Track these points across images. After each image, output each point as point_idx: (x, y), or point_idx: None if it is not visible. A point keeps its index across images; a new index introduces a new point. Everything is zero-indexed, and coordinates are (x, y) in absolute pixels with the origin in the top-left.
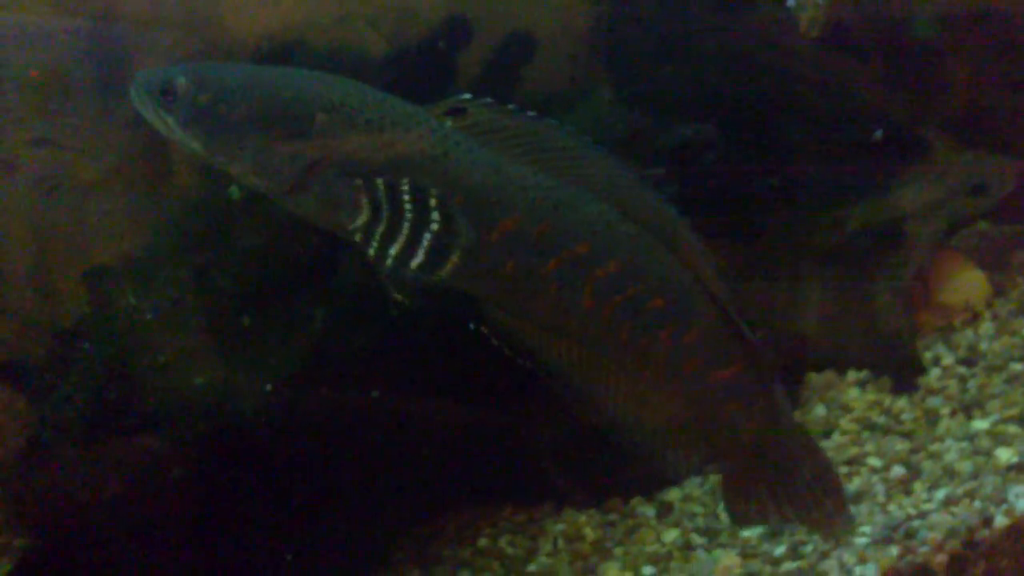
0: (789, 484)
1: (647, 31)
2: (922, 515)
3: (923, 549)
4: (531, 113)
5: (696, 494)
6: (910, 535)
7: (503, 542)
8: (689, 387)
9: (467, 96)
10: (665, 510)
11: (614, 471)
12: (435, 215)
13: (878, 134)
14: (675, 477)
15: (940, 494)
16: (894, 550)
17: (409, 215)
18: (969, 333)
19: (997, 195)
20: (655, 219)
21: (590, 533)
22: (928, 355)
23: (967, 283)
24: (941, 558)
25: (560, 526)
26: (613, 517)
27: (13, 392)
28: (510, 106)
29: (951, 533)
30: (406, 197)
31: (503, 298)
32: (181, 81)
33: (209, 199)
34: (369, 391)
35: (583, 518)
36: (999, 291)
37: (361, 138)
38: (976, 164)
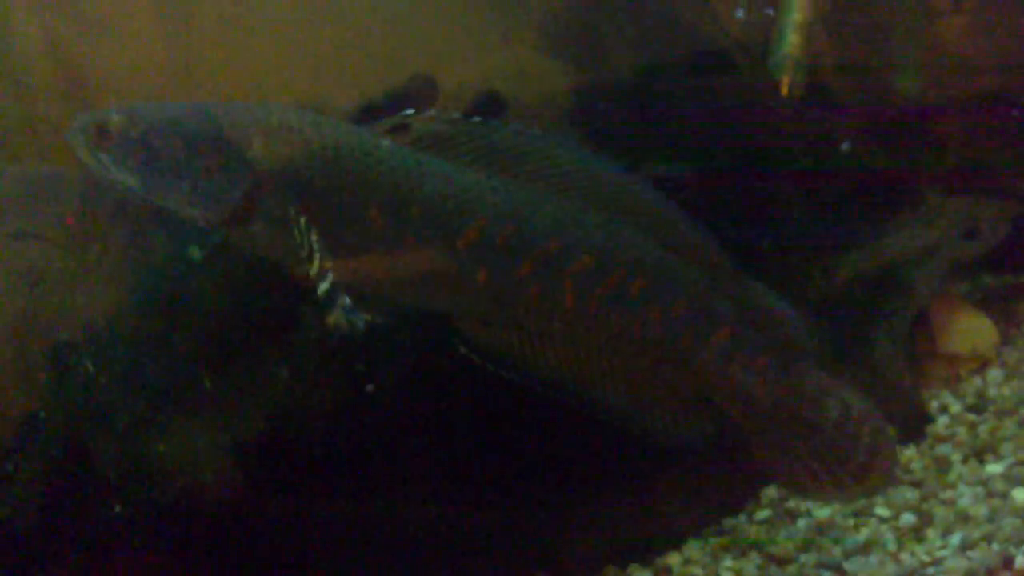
0: (819, 434)
1: (626, 100)
2: (936, 561)
3: None
4: (475, 118)
5: (696, 556)
6: None
7: None
8: (691, 358)
9: (410, 112)
10: (663, 575)
11: (609, 537)
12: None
13: (845, 146)
14: (695, 448)
15: (955, 539)
16: None
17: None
18: (976, 381)
19: (992, 239)
20: (624, 201)
21: None
22: (934, 404)
23: (974, 330)
24: None
25: None
26: None
27: None
28: (455, 115)
29: None
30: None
31: (483, 310)
32: (114, 119)
33: (169, 261)
34: (340, 449)
35: None
36: (1005, 340)
37: (301, 161)
38: (969, 208)
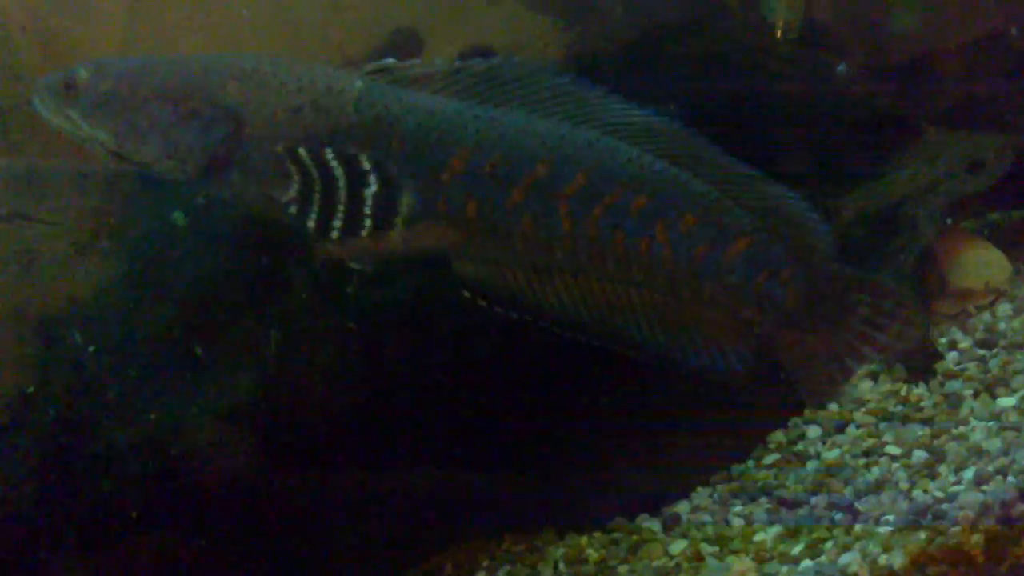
0: (852, 327)
1: (618, 47)
2: (950, 497)
3: (954, 530)
4: (454, 63)
5: (705, 504)
6: (939, 517)
7: (502, 573)
8: (707, 273)
9: (391, 60)
10: (672, 522)
11: (617, 489)
12: (371, 178)
13: (841, 68)
14: (731, 370)
15: (968, 474)
16: (922, 535)
17: (342, 183)
18: (986, 316)
19: (996, 171)
20: (616, 119)
21: (593, 554)
22: (943, 341)
23: (987, 263)
24: (976, 539)
25: (561, 550)
26: (617, 536)
27: None
28: (437, 61)
29: (985, 511)
30: (334, 163)
31: (478, 245)
32: (81, 73)
33: (153, 230)
34: (336, 414)
35: (585, 540)
36: (1014, 274)
37: (279, 103)
38: (971, 142)
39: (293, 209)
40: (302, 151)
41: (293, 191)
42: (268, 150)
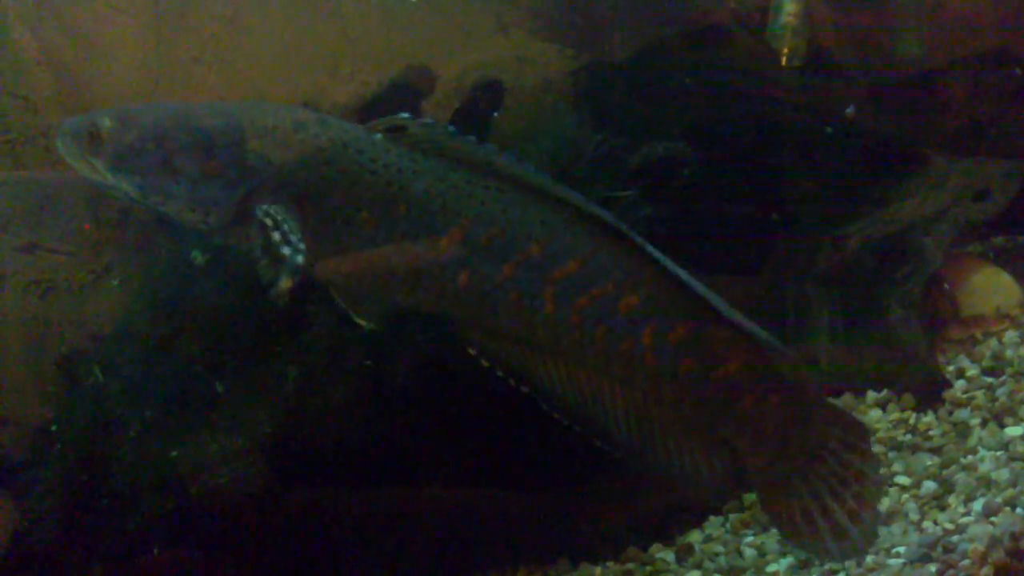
0: (823, 473)
1: (626, 79)
2: (960, 529)
3: (964, 563)
4: (471, 137)
5: (717, 534)
6: (949, 550)
7: None
8: (692, 389)
9: (406, 115)
10: (685, 553)
11: (630, 519)
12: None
13: (850, 111)
14: (702, 491)
15: (978, 505)
16: (933, 568)
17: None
18: (992, 343)
19: (1002, 198)
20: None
21: None
22: (951, 368)
23: (997, 289)
24: (986, 572)
25: None
26: (631, 566)
27: (3, 492)
28: (449, 127)
29: (994, 543)
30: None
31: (465, 314)
32: (106, 123)
33: (173, 267)
34: (354, 448)
35: (599, 570)
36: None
37: (296, 163)
38: (977, 170)
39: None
40: (264, 209)
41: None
42: (283, 208)
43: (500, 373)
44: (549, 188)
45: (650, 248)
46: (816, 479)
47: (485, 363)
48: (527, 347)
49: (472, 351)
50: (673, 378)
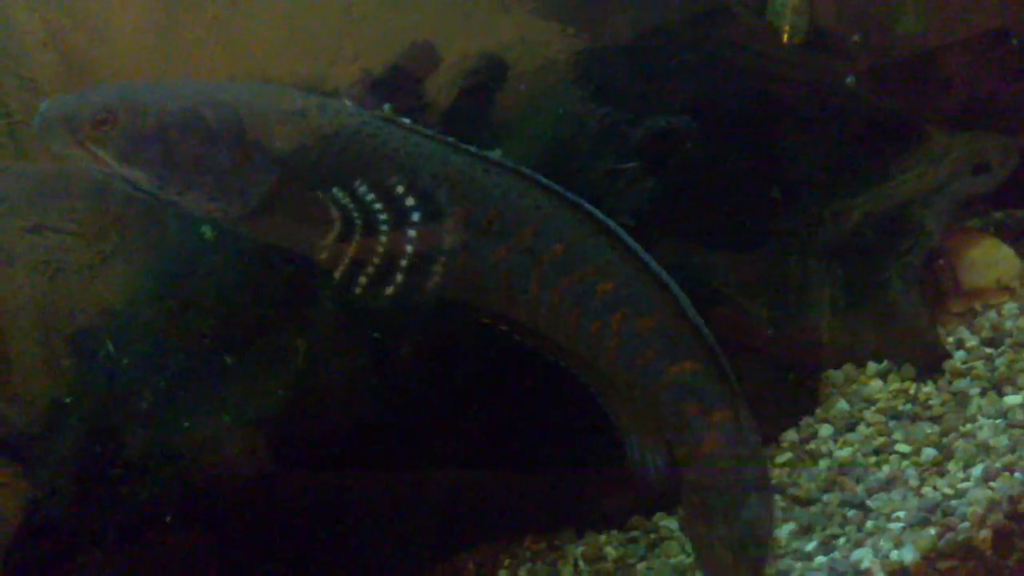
0: (733, 517)
1: (627, 57)
2: (959, 494)
3: (963, 526)
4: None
5: None
6: (948, 513)
7: (523, 571)
8: (644, 380)
9: (387, 107)
10: None
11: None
12: (417, 212)
13: (849, 79)
14: (644, 475)
15: (977, 471)
16: (932, 531)
17: (384, 221)
18: (992, 315)
19: (1001, 172)
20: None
21: (612, 552)
22: (951, 340)
23: (997, 261)
24: (985, 534)
25: (581, 549)
26: (635, 534)
27: (15, 467)
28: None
29: (992, 507)
30: (378, 214)
31: (456, 294)
32: (116, 109)
33: (182, 241)
34: (363, 420)
35: (604, 538)
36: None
37: (323, 146)
38: (976, 144)
39: (324, 255)
40: (340, 193)
41: (331, 236)
42: (310, 194)
43: (519, 338)
44: (536, 177)
45: (629, 240)
46: (736, 529)
47: (486, 320)
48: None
49: (483, 318)
50: (630, 367)
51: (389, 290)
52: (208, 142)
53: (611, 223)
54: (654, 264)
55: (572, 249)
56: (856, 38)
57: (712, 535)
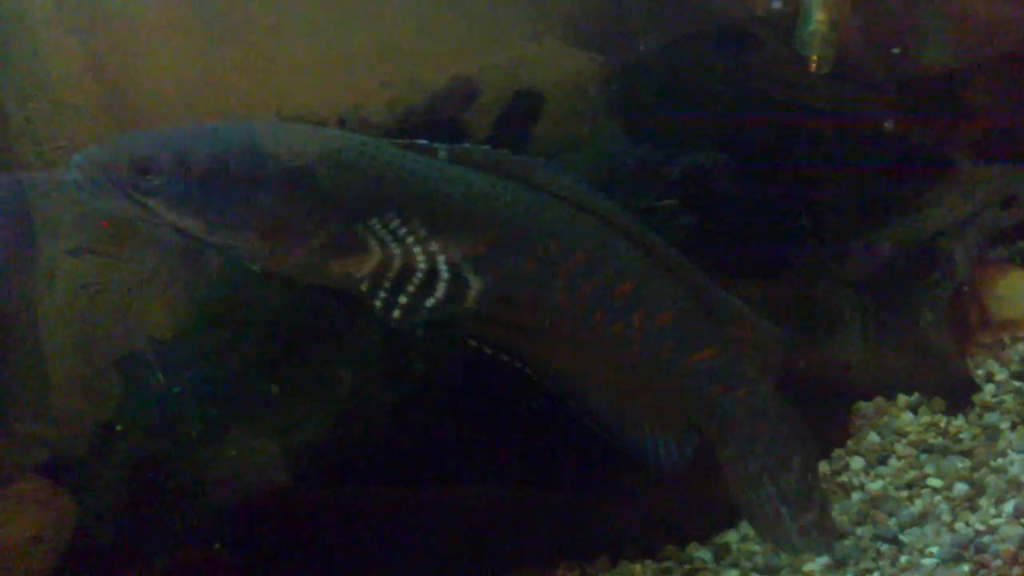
0: (786, 475)
1: (657, 86)
2: (991, 530)
3: (997, 563)
4: (485, 147)
5: (752, 534)
6: (981, 550)
7: None
8: (669, 370)
9: (423, 142)
10: (722, 552)
11: (667, 517)
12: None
13: (888, 124)
14: (667, 465)
15: (1008, 507)
16: (966, 567)
17: (420, 257)
18: (1021, 347)
19: None
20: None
21: None
22: (980, 372)
23: None
24: (1017, 571)
25: None
26: (668, 564)
27: (57, 490)
28: (464, 144)
29: None
30: (410, 238)
31: (486, 309)
32: (162, 156)
33: (229, 270)
34: (407, 449)
35: (638, 568)
36: None
37: (363, 182)
38: (1004, 177)
39: (365, 286)
40: (379, 226)
41: (368, 268)
42: (351, 231)
43: (505, 358)
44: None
45: (649, 237)
46: (784, 483)
47: (487, 351)
48: (524, 332)
49: (473, 343)
50: (654, 360)
51: (430, 302)
52: (255, 184)
53: (625, 219)
54: (675, 257)
55: (593, 256)
56: (895, 51)
57: (761, 494)
